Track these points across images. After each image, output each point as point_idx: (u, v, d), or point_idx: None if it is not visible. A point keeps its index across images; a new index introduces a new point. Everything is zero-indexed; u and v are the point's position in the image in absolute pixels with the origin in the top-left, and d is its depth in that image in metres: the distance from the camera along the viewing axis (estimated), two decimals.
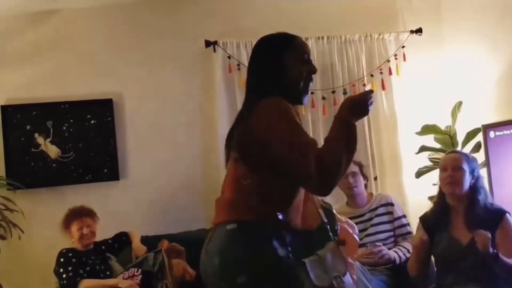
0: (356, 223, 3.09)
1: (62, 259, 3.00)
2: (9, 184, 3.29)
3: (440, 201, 2.59)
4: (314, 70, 1.80)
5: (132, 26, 3.68)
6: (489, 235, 2.30)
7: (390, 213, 3.12)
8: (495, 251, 2.32)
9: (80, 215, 3.11)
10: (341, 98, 3.74)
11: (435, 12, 3.91)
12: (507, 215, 2.46)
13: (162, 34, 3.69)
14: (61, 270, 2.96)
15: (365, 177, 3.20)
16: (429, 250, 2.54)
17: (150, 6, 3.68)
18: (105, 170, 3.54)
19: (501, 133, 3.02)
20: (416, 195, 3.64)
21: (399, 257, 2.95)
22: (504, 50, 3.26)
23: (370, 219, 3.11)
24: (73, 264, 2.97)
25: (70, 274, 2.91)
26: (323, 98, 3.75)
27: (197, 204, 3.61)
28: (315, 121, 3.75)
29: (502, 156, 2.97)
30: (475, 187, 2.50)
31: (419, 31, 3.85)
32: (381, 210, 3.12)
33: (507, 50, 3.23)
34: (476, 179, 2.52)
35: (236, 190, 1.67)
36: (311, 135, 3.64)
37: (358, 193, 3.14)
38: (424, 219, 2.63)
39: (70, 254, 3.02)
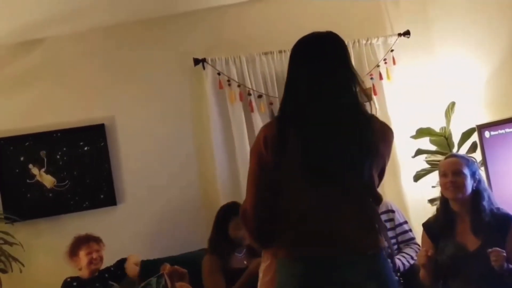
0: None
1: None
2: (6, 218, 3.26)
3: (443, 206, 2.56)
4: None
5: (119, 48, 3.67)
6: (504, 253, 2.26)
7: (391, 220, 3.10)
8: (510, 266, 2.29)
9: (87, 240, 3.10)
10: None
11: (423, 14, 3.90)
12: None
13: (149, 55, 3.69)
14: None
15: None
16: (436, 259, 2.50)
17: (135, 28, 3.68)
18: (102, 196, 3.52)
19: (496, 132, 3.01)
20: (416, 199, 3.62)
21: (403, 264, 2.93)
22: (492, 50, 3.25)
23: None
24: None
25: None
26: None
27: (196, 225, 3.59)
28: None
29: (499, 155, 2.95)
30: (477, 191, 2.48)
31: (407, 33, 3.84)
32: (382, 217, 3.10)
33: (495, 50, 3.22)
34: (478, 182, 2.49)
35: None
36: None
37: None
38: (427, 226, 2.60)
39: (74, 284, 3.01)
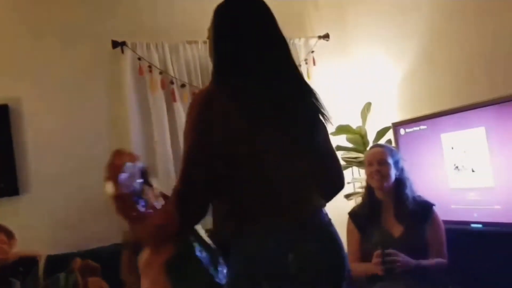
0: None
1: None
2: None
3: (368, 195, 2.64)
4: None
5: (30, 23, 3.35)
6: (399, 258, 2.34)
7: None
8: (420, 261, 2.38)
9: None
10: None
11: (341, 18, 4.06)
12: (434, 208, 2.57)
13: (64, 33, 3.41)
14: None
15: None
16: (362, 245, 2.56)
17: (51, 1, 3.38)
18: (2, 185, 3.15)
19: (410, 129, 3.19)
20: None
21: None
22: (405, 51, 3.46)
23: None
24: None
25: None
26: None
27: (107, 218, 3.33)
28: None
29: (413, 151, 3.14)
30: (400, 179, 2.59)
31: (326, 36, 3.98)
32: None
33: (408, 51, 3.44)
34: (401, 171, 2.61)
35: None
36: None
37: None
38: (353, 215, 2.65)
39: None
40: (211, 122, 1.39)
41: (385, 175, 2.57)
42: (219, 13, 1.56)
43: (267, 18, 1.60)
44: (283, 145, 1.46)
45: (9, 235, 2.85)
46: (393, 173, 2.59)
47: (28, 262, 2.93)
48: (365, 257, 2.51)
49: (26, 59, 3.30)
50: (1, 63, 3.25)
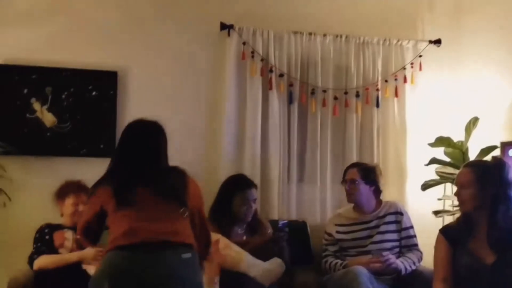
0: (362, 230, 3.01)
1: (37, 235, 2.84)
2: (0, 147, 3.07)
3: (463, 214, 2.46)
4: None
5: (156, 6, 3.50)
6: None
7: (399, 222, 3.02)
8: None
9: (78, 190, 2.94)
10: (353, 101, 3.65)
11: (456, 24, 3.83)
12: None
13: (176, 10, 3.53)
14: (33, 245, 2.78)
15: (373, 184, 3.07)
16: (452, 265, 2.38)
17: None
18: (102, 146, 3.35)
19: None
20: (419, 208, 3.54)
21: (405, 268, 2.85)
22: None
23: (377, 226, 3.00)
24: (45, 241, 2.79)
25: (33, 250, 2.75)
26: (335, 98, 3.63)
27: None
28: (324, 120, 3.63)
29: None
30: (497, 203, 2.36)
31: (438, 42, 3.78)
32: (389, 218, 3.02)
33: None
34: (499, 189, 2.31)
35: None
36: (318, 134, 3.56)
37: (357, 201, 3.05)
38: (445, 231, 2.47)
39: (46, 230, 2.84)
40: None
41: (464, 200, 2.36)
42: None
43: None
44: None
45: (88, 193, 2.99)
46: (477, 197, 2.32)
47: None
48: (453, 276, 2.34)
49: (140, 33, 3.46)
50: (116, 33, 3.43)
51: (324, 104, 3.60)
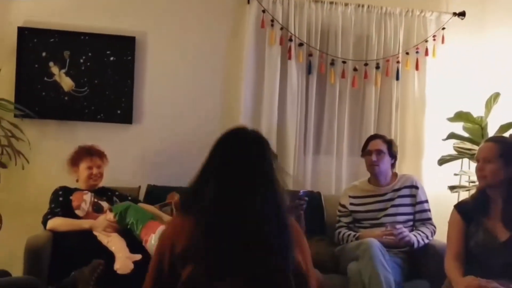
0: (376, 202, 3.01)
1: (52, 196, 2.86)
2: (18, 110, 3.09)
3: (479, 190, 2.43)
4: None
5: None
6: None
7: (413, 196, 3.00)
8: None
9: (91, 154, 2.94)
10: (372, 73, 3.59)
11: None
12: None
13: None
14: (48, 207, 2.82)
15: (393, 157, 3.06)
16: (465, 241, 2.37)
17: None
18: (119, 112, 3.36)
19: None
20: (434, 183, 3.52)
21: (418, 241, 2.84)
22: None
23: (392, 199, 2.99)
24: (59, 202, 2.81)
25: (48, 210, 2.78)
26: (355, 69, 3.58)
27: None
28: (343, 92, 3.59)
29: None
30: None
31: (462, 14, 3.68)
32: (405, 191, 3.00)
33: None
34: None
35: None
36: (336, 106, 3.53)
37: (380, 172, 3.02)
38: (460, 207, 2.45)
39: (60, 192, 2.87)
40: None
41: (486, 175, 2.32)
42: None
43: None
44: None
45: (102, 156, 3.01)
46: (499, 173, 2.30)
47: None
48: (465, 253, 2.34)
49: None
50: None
51: (343, 75, 3.55)
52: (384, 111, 3.65)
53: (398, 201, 2.98)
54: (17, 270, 2.45)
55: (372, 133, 3.50)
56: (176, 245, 1.43)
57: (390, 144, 3.04)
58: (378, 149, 3.00)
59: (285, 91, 3.49)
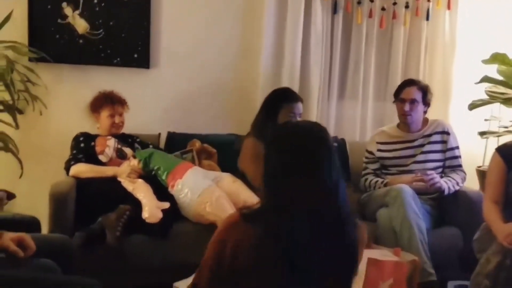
0: (405, 148, 2.90)
1: (73, 142, 2.80)
2: (33, 53, 2.97)
3: None
4: None
5: None
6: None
7: (444, 142, 2.89)
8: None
9: (112, 101, 2.86)
10: (401, 12, 3.40)
11: None
12: None
13: None
14: (70, 153, 2.75)
15: (427, 104, 2.91)
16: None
17: None
18: (135, 56, 3.22)
19: None
20: (463, 128, 3.39)
21: (448, 188, 2.76)
22: None
23: (422, 145, 2.88)
24: (80, 148, 2.75)
25: (70, 157, 2.71)
26: (383, 8, 3.39)
27: (227, 109, 3.36)
28: (369, 33, 3.41)
29: None
30: None
31: None
32: (435, 137, 2.89)
33: None
34: None
35: None
36: (363, 48, 3.36)
37: (412, 122, 2.88)
38: (503, 149, 2.34)
39: (81, 139, 2.80)
40: None
41: None
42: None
43: None
44: None
45: (123, 104, 2.94)
46: None
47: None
48: (505, 199, 2.25)
49: None
50: None
51: (370, 15, 3.36)
52: (412, 53, 3.47)
53: (428, 147, 2.87)
54: (42, 216, 2.41)
55: (399, 76, 3.37)
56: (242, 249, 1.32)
57: (425, 91, 2.87)
58: (413, 98, 2.84)
59: (308, 31, 3.31)
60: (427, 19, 3.42)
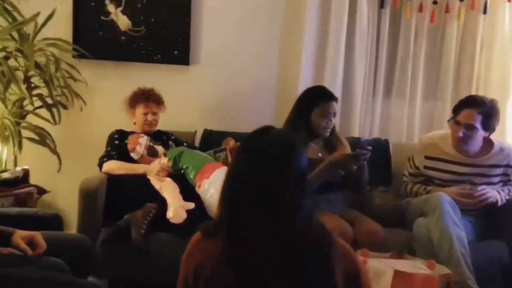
0: (458, 174, 2.61)
1: (109, 139, 2.85)
2: (75, 51, 3.05)
3: None
4: None
5: None
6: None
7: (506, 175, 2.59)
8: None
9: (148, 99, 2.88)
10: (455, 6, 3.17)
11: None
12: None
13: None
14: (105, 149, 2.80)
15: (491, 130, 2.57)
16: None
17: None
18: (176, 52, 3.23)
19: None
20: None
21: (501, 199, 2.52)
22: None
23: (478, 175, 2.56)
24: (114, 145, 2.79)
25: (104, 153, 2.75)
26: (434, 2, 3.17)
27: (265, 107, 3.28)
28: (419, 28, 3.21)
29: None
30: None
31: None
32: (497, 171, 2.57)
33: None
34: None
35: None
36: (412, 44, 3.18)
37: (467, 148, 2.58)
38: None
39: (116, 136, 2.85)
40: None
41: None
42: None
43: None
44: None
45: (159, 103, 2.93)
46: None
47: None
48: None
49: None
50: None
51: (420, 9, 3.17)
52: (466, 50, 3.24)
53: (486, 179, 2.56)
54: (74, 211, 2.46)
55: (451, 76, 3.18)
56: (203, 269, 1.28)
57: (487, 116, 2.51)
58: (470, 124, 2.50)
59: (353, 27, 3.17)
60: (484, 12, 3.17)
